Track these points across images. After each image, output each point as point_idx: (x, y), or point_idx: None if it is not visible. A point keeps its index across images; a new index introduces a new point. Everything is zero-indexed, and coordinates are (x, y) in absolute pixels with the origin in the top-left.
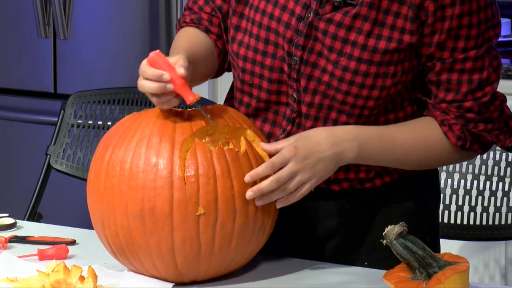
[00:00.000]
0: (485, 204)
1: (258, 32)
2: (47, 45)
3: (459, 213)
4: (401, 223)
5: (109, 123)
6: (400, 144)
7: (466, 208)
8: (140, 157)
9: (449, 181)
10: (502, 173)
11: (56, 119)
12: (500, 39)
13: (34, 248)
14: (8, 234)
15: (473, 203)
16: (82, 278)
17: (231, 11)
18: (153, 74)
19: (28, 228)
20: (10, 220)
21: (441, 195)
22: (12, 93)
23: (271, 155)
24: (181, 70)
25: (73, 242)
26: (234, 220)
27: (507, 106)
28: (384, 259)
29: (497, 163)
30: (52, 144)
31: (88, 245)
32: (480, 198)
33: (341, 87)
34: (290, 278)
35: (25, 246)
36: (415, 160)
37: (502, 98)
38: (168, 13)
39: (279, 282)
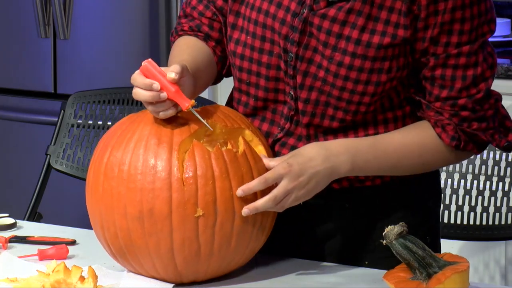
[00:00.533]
0: (485, 204)
1: (254, 29)
2: (47, 45)
3: (459, 213)
4: (401, 223)
5: (109, 123)
6: (393, 152)
7: (466, 208)
8: (138, 159)
9: (449, 181)
10: (502, 173)
11: (56, 119)
12: (500, 39)
13: (34, 248)
14: (8, 234)
15: (473, 203)
16: (82, 278)
17: (228, 10)
18: (143, 83)
19: (28, 228)
20: (10, 220)
21: (441, 195)
22: (12, 93)
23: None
24: (171, 75)
25: (73, 242)
26: (233, 220)
27: (502, 106)
28: (384, 259)
29: (497, 163)
30: (52, 144)
31: (88, 245)
32: (480, 198)
33: (336, 83)
34: (290, 278)
35: (25, 246)
36: (409, 165)
37: (497, 97)
38: (168, 13)
39: (279, 282)
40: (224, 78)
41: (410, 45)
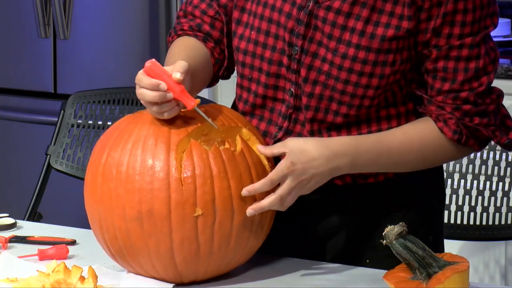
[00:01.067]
0: (485, 204)
1: (260, 24)
2: (47, 45)
3: (459, 213)
4: (401, 223)
5: (109, 123)
6: (396, 149)
7: (466, 208)
8: (136, 160)
9: (449, 181)
10: (502, 173)
11: (56, 119)
12: (500, 39)
13: (34, 248)
14: (8, 234)
15: (473, 203)
16: (82, 278)
17: (233, 5)
18: (149, 83)
19: (28, 228)
20: (10, 220)
21: (445, 194)
22: (12, 93)
23: (268, 158)
24: (177, 76)
25: (73, 242)
26: (232, 219)
27: (503, 105)
28: (385, 258)
29: (497, 163)
30: (52, 144)
31: (88, 245)
32: (480, 198)
33: (340, 76)
34: (290, 278)
35: (25, 246)
36: (411, 161)
37: (499, 93)
38: (168, 13)
39: (279, 282)
40: (220, 80)
41: (413, 37)
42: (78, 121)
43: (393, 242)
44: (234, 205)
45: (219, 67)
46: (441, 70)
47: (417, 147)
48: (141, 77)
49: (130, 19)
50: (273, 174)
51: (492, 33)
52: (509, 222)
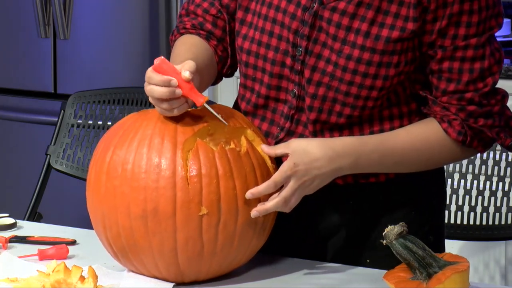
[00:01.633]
0: (485, 204)
1: (264, 24)
2: (47, 45)
3: (459, 213)
4: (401, 223)
5: (109, 123)
6: (400, 149)
7: (466, 208)
8: (142, 158)
9: (449, 181)
10: (502, 173)
11: (56, 119)
12: (500, 39)
13: (34, 248)
14: (8, 234)
15: (473, 203)
16: (82, 278)
17: (237, 5)
18: (161, 80)
19: (28, 228)
20: (10, 220)
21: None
22: (12, 93)
23: (271, 159)
24: (186, 74)
25: (73, 242)
26: (237, 219)
27: (508, 107)
28: (385, 257)
29: (497, 163)
30: (52, 144)
31: (88, 245)
32: (480, 198)
33: (344, 77)
34: (290, 278)
35: (25, 246)
36: (414, 162)
37: (504, 93)
38: (168, 13)
39: (279, 282)
40: (223, 78)
41: (418, 37)
42: (78, 121)
43: (393, 242)
44: (239, 206)
45: (222, 65)
46: (446, 70)
47: (420, 148)
48: (151, 74)
49: (130, 19)
50: (276, 176)
51: None
52: (509, 222)
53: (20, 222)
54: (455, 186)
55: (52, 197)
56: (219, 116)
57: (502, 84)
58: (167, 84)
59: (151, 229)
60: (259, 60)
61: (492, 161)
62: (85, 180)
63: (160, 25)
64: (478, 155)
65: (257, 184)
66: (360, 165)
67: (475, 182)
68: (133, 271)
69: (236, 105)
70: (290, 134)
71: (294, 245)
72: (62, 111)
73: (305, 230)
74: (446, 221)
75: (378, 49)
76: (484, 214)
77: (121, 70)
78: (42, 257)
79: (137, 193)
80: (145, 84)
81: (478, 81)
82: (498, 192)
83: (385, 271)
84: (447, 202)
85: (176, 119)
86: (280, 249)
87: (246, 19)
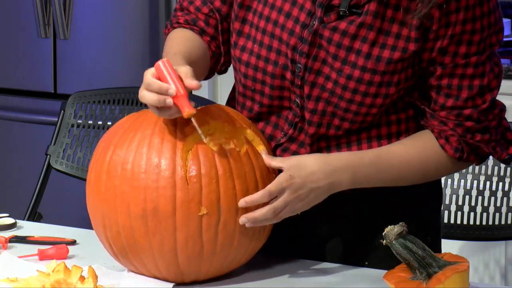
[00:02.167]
0: (485, 204)
1: (262, 38)
2: (47, 45)
3: (459, 213)
4: (400, 223)
5: (109, 123)
6: (396, 164)
7: (466, 208)
8: (142, 158)
9: (449, 181)
10: (502, 173)
11: (56, 119)
12: None
13: (34, 248)
14: (8, 234)
15: (473, 203)
16: (82, 278)
17: (234, 15)
18: (158, 87)
19: (28, 228)
20: (10, 220)
21: (442, 195)
22: (12, 93)
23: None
24: (193, 83)
25: (73, 242)
26: (236, 219)
27: (505, 118)
28: (385, 257)
29: (497, 163)
30: (52, 144)
31: (88, 245)
32: (480, 198)
33: (344, 95)
34: (290, 278)
35: (25, 246)
36: (411, 178)
37: (502, 107)
38: (168, 13)
39: (279, 282)
40: (217, 74)
41: (418, 55)
42: (78, 121)
43: (393, 242)
44: (239, 206)
45: (215, 61)
46: (445, 87)
47: (417, 164)
48: (150, 81)
49: (130, 19)
50: (272, 186)
51: None
52: (509, 222)
53: (20, 222)
54: (455, 186)
55: (52, 197)
56: (199, 130)
57: (502, 84)
58: (163, 92)
59: (151, 229)
60: (258, 72)
61: (492, 161)
62: (85, 180)
63: (160, 25)
64: None
65: (256, 184)
66: (358, 179)
67: (475, 182)
68: (133, 271)
69: (232, 105)
70: (292, 140)
71: (293, 246)
72: (62, 111)
73: (304, 231)
74: (446, 221)
75: (379, 70)
76: (484, 214)
77: (121, 70)
78: (42, 257)
79: (137, 193)
80: (141, 87)
81: (477, 97)
82: (498, 192)
83: (385, 271)
84: (447, 202)
85: (176, 119)
86: (280, 249)
87: (243, 31)
